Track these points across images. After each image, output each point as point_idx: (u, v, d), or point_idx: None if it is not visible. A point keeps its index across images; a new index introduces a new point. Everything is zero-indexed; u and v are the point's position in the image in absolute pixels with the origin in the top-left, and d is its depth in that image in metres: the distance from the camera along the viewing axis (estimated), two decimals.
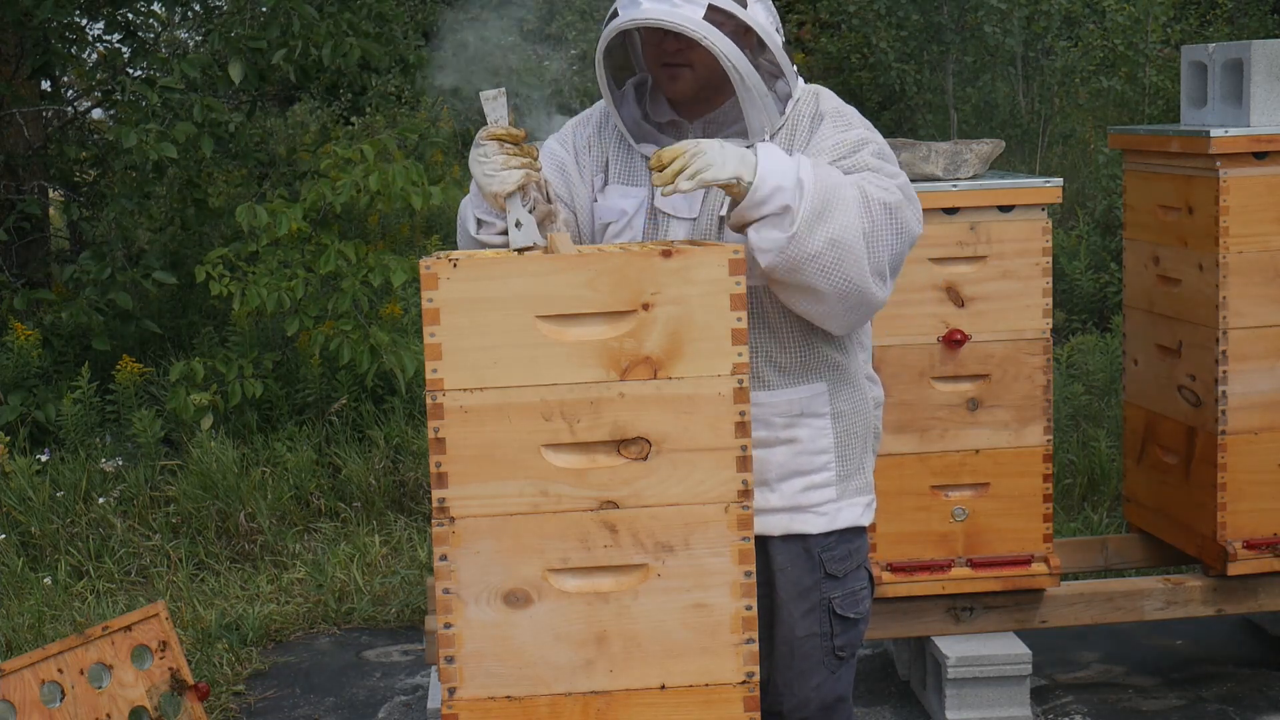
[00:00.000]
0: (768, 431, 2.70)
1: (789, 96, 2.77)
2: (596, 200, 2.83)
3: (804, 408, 2.75)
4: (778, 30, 2.76)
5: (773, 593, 2.77)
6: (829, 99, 2.83)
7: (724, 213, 2.69)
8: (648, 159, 2.74)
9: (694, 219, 2.75)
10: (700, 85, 2.73)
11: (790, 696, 2.82)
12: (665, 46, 2.70)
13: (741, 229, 2.58)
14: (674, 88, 2.75)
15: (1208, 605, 4.27)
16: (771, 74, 2.73)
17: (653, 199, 2.77)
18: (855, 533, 2.85)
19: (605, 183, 2.84)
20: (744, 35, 2.68)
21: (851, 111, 2.81)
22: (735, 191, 2.55)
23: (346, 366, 6.25)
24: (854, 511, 2.83)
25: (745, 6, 2.67)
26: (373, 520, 5.78)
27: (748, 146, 2.65)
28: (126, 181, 7.15)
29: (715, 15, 2.63)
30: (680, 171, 2.53)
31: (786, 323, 2.72)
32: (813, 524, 2.78)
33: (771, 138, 2.73)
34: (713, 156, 2.53)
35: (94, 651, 3.83)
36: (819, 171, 2.59)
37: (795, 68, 2.82)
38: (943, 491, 4.12)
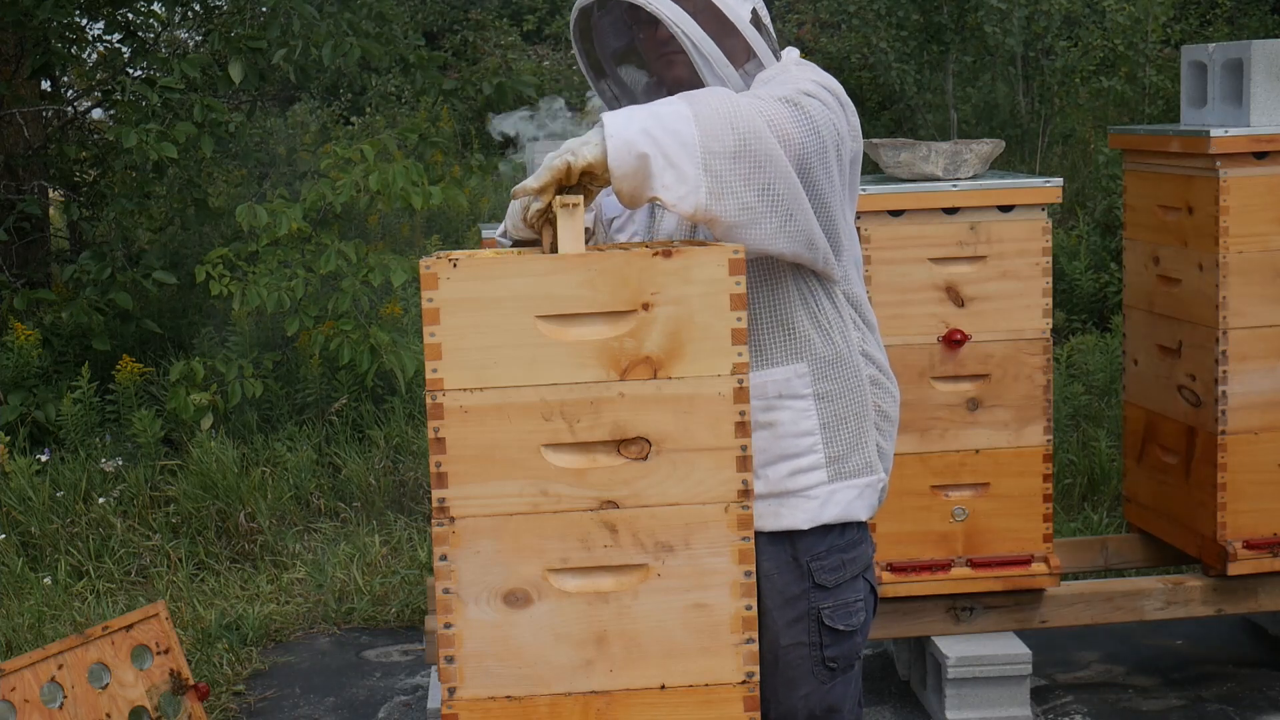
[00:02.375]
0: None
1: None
2: (607, 196, 2.82)
3: (782, 389, 2.66)
4: (754, 6, 2.70)
5: (760, 597, 2.66)
6: (788, 57, 2.73)
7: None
8: None
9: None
10: (695, 70, 2.68)
11: (776, 705, 2.74)
12: (658, 35, 2.69)
13: (639, 194, 2.45)
14: (671, 73, 2.72)
15: (1208, 605, 4.28)
16: (742, 51, 2.68)
17: None
18: (851, 537, 2.73)
19: None
20: (700, 5, 2.63)
21: (809, 66, 2.70)
22: (604, 178, 2.42)
23: (346, 366, 6.25)
24: (849, 495, 2.69)
25: None
26: (373, 520, 5.78)
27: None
28: (126, 181, 7.15)
29: None
30: (537, 194, 2.42)
31: (761, 303, 2.65)
32: (803, 512, 2.66)
33: None
34: (546, 161, 2.42)
35: (94, 651, 3.83)
36: (676, 97, 2.47)
37: (788, 52, 2.77)
38: (943, 491, 4.12)
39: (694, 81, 2.69)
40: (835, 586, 2.72)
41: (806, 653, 2.73)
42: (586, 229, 2.56)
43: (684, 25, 2.61)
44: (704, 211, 2.43)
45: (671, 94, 2.71)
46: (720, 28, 2.67)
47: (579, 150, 2.41)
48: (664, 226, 2.76)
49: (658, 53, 2.73)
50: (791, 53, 2.81)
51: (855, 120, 2.70)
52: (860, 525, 2.76)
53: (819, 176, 2.58)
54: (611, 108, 2.82)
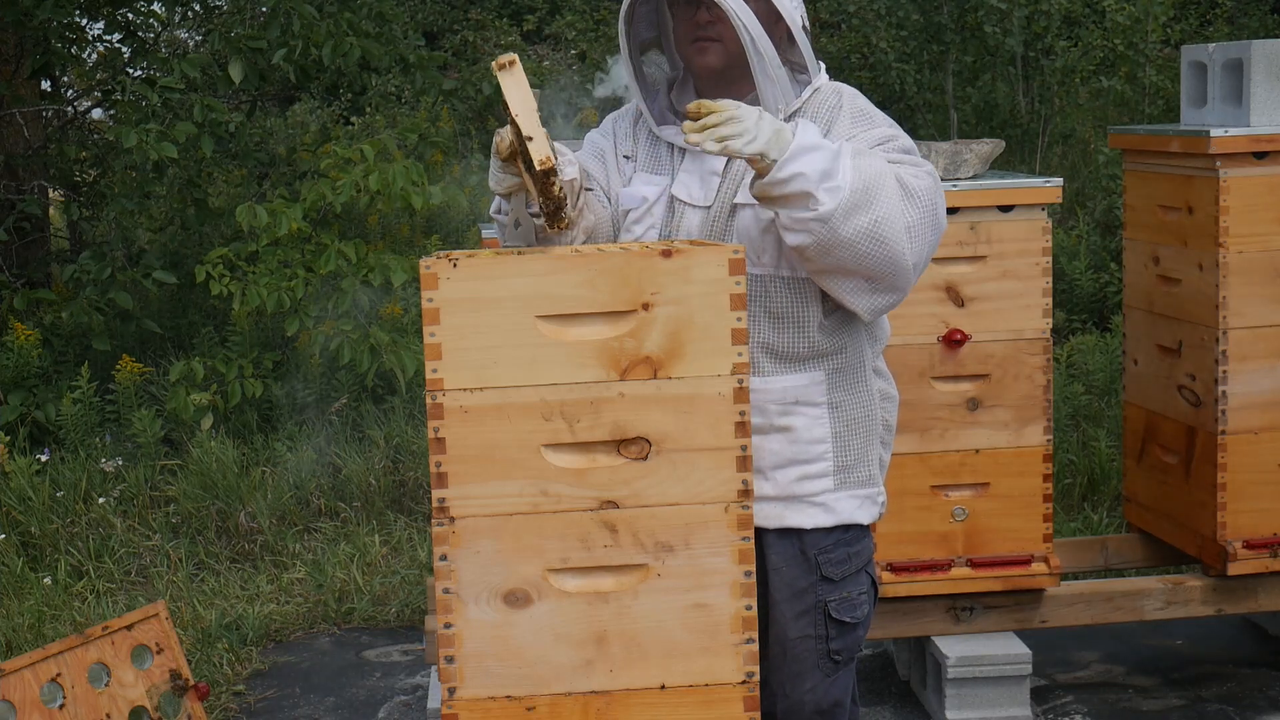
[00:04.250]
0: (762, 419, 2.67)
1: (808, 84, 2.78)
2: (626, 186, 2.85)
3: (800, 396, 2.72)
4: (804, 26, 2.77)
5: (766, 591, 2.73)
6: (852, 98, 2.81)
7: (746, 194, 2.70)
8: (673, 144, 2.79)
9: (708, 207, 2.75)
10: (728, 62, 2.73)
11: (784, 699, 2.79)
12: (698, 19, 2.72)
13: (767, 204, 2.57)
14: (703, 60, 2.75)
15: (1208, 605, 4.27)
16: (792, 60, 2.75)
17: (671, 186, 2.79)
18: (855, 534, 2.80)
19: (633, 171, 2.86)
20: (767, 14, 2.69)
21: (876, 112, 2.80)
22: (760, 167, 2.53)
23: (346, 366, 6.25)
24: (851, 504, 2.77)
25: None
26: (373, 520, 5.78)
27: (787, 120, 2.63)
28: (126, 181, 7.15)
29: None
30: (712, 128, 2.50)
31: (791, 311, 2.70)
32: (808, 516, 2.73)
33: (786, 120, 2.70)
34: (747, 125, 2.50)
35: (94, 651, 3.83)
36: (860, 160, 2.57)
37: (820, 63, 2.83)
38: (943, 491, 4.12)
39: (726, 71, 2.74)
40: (841, 580, 2.77)
41: (813, 645, 2.77)
42: (563, 194, 2.59)
43: (748, 21, 2.64)
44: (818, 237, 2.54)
45: (699, 84, 2.79)
46: (777, 30, 2.72)
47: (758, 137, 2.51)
48: (685, 224, 2.77)
49: (692, 37, 2.76)
50: (821, 68, 2.85)
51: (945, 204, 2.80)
52: (860, 525, 2.82)
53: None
54: (648, 95, 2.85)
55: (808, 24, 2.80)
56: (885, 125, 2.76)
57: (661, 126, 2.84)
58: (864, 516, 2.80)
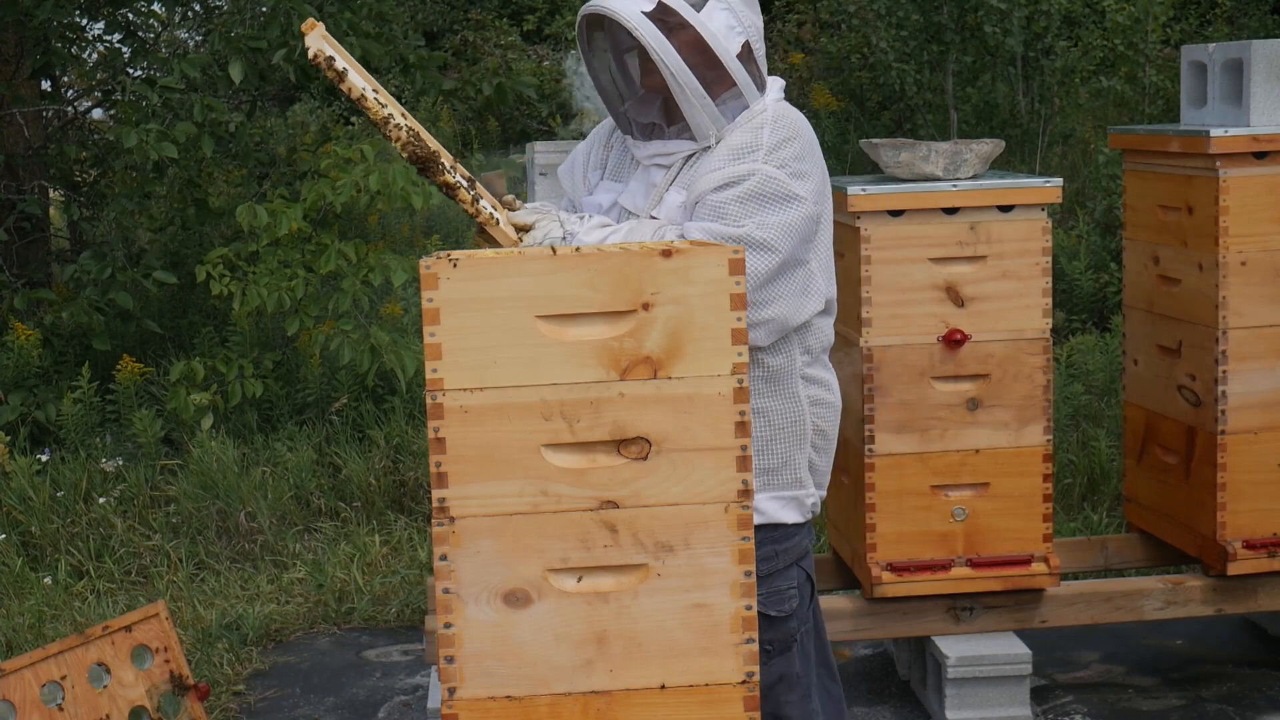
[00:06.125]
0: None
1: (744, 108, 2.85)
2: (590, 195, 2.99)
3: None
4: (747, 40, 2.83)
5: None
6: (769, 129, 2.85)
7: (661, 210, 2.86)
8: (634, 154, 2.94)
9: (642, 216, 2.90)
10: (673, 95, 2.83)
11: None
12: (642, 44, 2.81)
13: None
14: (649, 80, 2.86)
15: (1208, 605, 4.28)
16: (725, 83, 2.82)
17: (621, 195, 2.94)
18: (784, 532, 2.89)
19: (602, 178, 2.99)
20: (691, 37, 2.77)
21: (773, 146, 2.83)
22: None
23: (346, 366, 6.25)
24: (775, 505, 2.87)
25: (700, 10, 2.77)
26: (373, 520, 5.78)
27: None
28: (126, 181, 7.15)
29: (663, 13, 2.74)
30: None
31: None
32: None
33: (717, 144, 2.83)
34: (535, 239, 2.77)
35: (94, 651, 3.84)
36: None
37: (772, 82, 2.92)
38: (943, 491, 4.12)
39: (668, 92, 2.83)
40: (767, 575, 2.86)
41: None
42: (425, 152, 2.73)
43: (667, 57, 2.74)
44: None
45: (649, 98, 2.91)
46: (705, 61, 2.78)
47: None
48: (667, 200, 2.86)
49: (642, 59, 2.87)
50: (775, 85, 2.92)
51: (822, 177, 2.87)
52: (785, 524, 2.93)
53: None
54: (610, 107, 2.96)
55: (758, 45, 2.86)
56: (764, 162, 2.79)
57: (625, 137, 2.97)
58: (789, 516, 2.90)
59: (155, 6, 7.74)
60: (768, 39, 10.90)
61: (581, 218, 2.83)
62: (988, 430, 4.10)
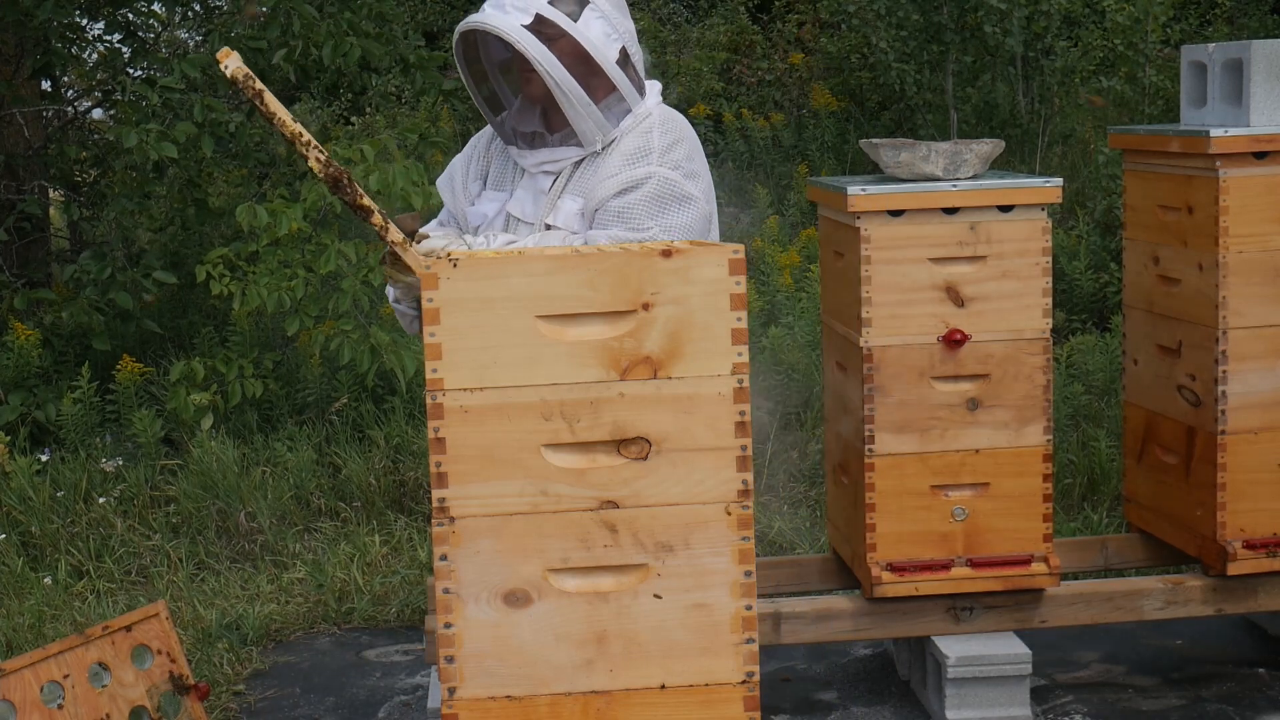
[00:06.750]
0: None
1: (627, 112, 2.95)
2: (474, 205, 3.07)
3: None
4: (624, 46, 2.92)
5: None
6: (658, 133, 2.95)
7: (556, 216, 2.93)
8: (517, 162, 3.04)
9: (534, 224, 2.97)
10: (550, 90, 2.91)
11: None
12: (523, 56, 2.89)
13: None
14: (529, 90, 2.95)
15: (1208, 605, 4.28)
16: (606, 88, 2.91)
17: (508, 203, 3.01)
18: None
19: (483, 189, 3.08)
20: (571, 46, 2.86)
21: (665, 148, 2.93)
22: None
23: (346, 366, 6.25)
24: None
25: (577, 20, 2.86)
26: (373, 520, 5.78)
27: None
28: (126, 181, 7.15)
29: (541, 25, 2.84)
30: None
31: None
32: None
33: (604, 149, 2.93)
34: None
35: (94, 651, 3.83)
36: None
37: (650, 85, 3.01)
38: (943, 491, 4.12)
39: (550, 100, 2.92)
40: None
41: None
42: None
43: (551, 68, 2.85)
44: None
45: (540, 113, 3.01)
46: (587, 68, 2.89)
47: None
48: (562, 208, 2.94)
49: (521, 72, 2.96)
50: (654, 89, 3.03)
51: (709, 176, 2.99)
52: None
53: None
54: (491, 113, 3.06)
55: (634, 50, 2.95)
56: (659, 165, 2.90)
57: (509, 146, 3.04)
58: None
59: (155, 6, 7.74)
60: (768, 39, 10.90)
61: (489, 238, 2.86)
62: (988, 430, 4.10)
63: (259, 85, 2.66)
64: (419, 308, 2.88)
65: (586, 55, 2.88)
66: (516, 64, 2.94)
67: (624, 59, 2.92)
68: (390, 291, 2.97)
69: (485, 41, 2.98)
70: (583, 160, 2.95)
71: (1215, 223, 4.11)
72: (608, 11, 2.91)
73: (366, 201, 2.68)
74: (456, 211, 3.12)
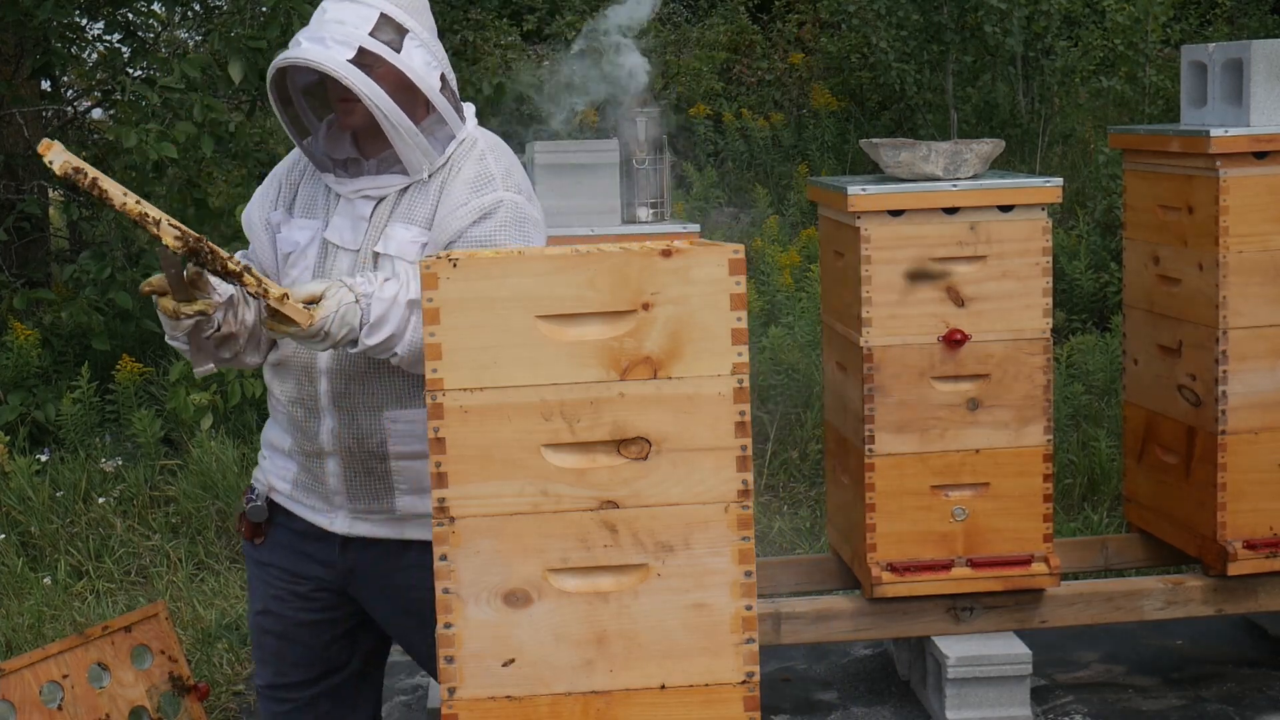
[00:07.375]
0: (420, 445, 2.88)
1: (450, 138, 2.94)
2: (280, 232, 3.03)
3: (424, 430, 2.85)
4: (443, 72, 2.93)
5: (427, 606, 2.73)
6: (491, 158, 2.96)
7: (386, 244, 2.91)
8: (330, 188, 3.00)
9: (357, 250, 2.93)
10: (371, 120, 2.88)
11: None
12: (341, 88, 2.87)
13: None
14: (348, 120, 2.92)
15: (1208, 605, 4.28)
16: (429, 115, 2.91)
17: (324, 230, 2.97)
18: None
19: (291, 215, 3.03)
20: (395, 77, 2.84)
21: (502, 173, 2.94)
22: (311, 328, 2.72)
23: None
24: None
25: (399, 51, 2.85)
26: None
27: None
28: (126, 181, 7.14)
29: (364, 58, 2.82)
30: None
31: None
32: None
33: (431, 176, 2.92)
34: (324, 327, 2.72)
35: (94, 652, 3.83)
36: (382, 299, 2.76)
37: (465, 108, 3.01)
38: (943, 491, 4.12)
39: (370, 128, 2.89)
40: None
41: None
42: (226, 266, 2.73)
43: (379, 100, 2.82)
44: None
45: (351, 137, 2.99)
46: (411, 97, 2.88)
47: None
48: (337, 266, 2.93)
49: (338, 96, 2.92)
50: (469, 111, 3.04)
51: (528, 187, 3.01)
52: None
53: None
54: (298, 136, 3.04)
55: (449, 74, 2.95)
56: (503, 190, 2.90)
57: (323, 173, 3.01)
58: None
59: (155, 6, 7.74)
60: (768, 39, 10.91)
61: (368, 278, 2.82)
62: (988, 430, 4.10)
63: (93, 173, 2.63)
64: (190, 344, 2.88)
65: (411, 85, 2.87)
66: (334, 94, 2.92)
67: (444, 84, 2.94)
68: (165, 324, 2.92)
69: (294, 73, 2.96)
70: (408, 188, 2.94)
71: (1215, 222, 4.11)
72: (425, 39, 2.92)
73: (234, 265, 2.68)
74: (256, 244, 3.08)
